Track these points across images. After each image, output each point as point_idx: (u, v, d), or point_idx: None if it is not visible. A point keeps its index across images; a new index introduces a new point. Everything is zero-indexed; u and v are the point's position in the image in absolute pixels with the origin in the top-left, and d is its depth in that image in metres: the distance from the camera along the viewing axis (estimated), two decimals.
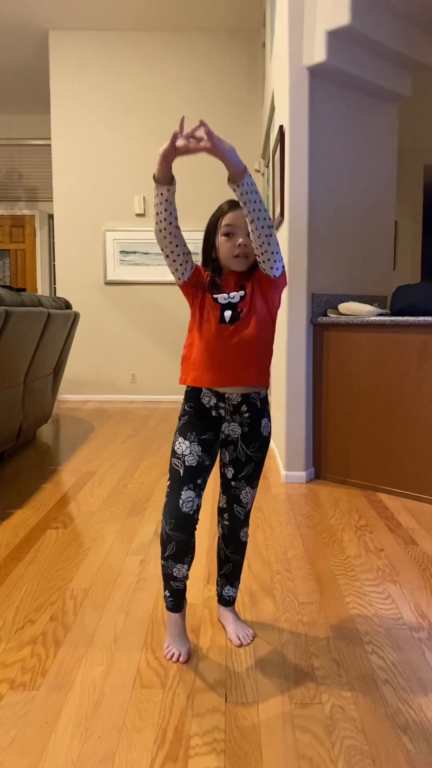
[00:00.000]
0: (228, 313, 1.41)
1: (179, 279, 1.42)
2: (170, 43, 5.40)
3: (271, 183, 3.93)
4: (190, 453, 1.44)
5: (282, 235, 3.13)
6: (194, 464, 1.43)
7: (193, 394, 1.48)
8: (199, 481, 1.44)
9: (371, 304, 2.99)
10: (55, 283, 6.84)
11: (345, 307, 2.90)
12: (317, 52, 2.76)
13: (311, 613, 1.70)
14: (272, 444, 3.66)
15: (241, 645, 1.54)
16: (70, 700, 1.32)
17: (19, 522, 2.43)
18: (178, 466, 1.43)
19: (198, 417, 1.47)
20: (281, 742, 1.19)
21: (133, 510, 2.58)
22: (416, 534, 2.30)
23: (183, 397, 1.50)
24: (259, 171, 5.41)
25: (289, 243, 2.92)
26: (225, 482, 1.54)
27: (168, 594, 1.50)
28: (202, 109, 5.44)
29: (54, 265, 6.85)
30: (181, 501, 1.40)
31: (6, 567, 2.01)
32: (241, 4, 4.90)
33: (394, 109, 3.25)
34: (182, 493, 1.41)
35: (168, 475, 1.46)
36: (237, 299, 1.41)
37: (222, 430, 1.49)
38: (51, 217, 6.93)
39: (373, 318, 2.76)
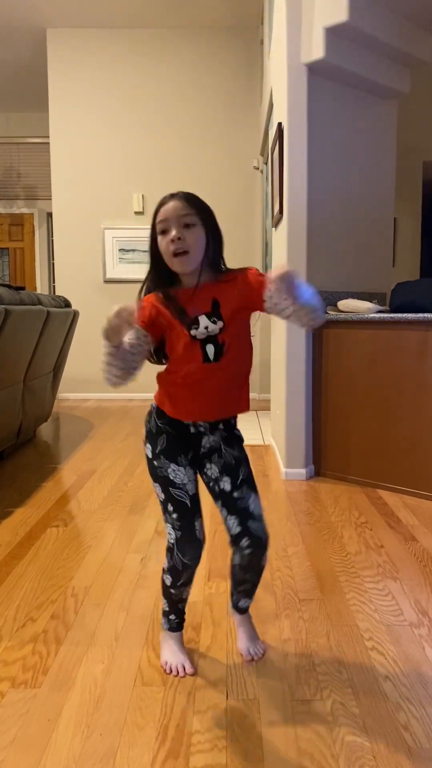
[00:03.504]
0: (211, 349, 1.25)
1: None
2: (168, 40, 5.39)
3: (269, 180, 3.93)
4: (189, 480, 1.32)
5: (281, 233, 3.13)
6: (195, 491, 1.33)
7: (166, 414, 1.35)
8: (199, 505, 1.34)
9: (370, 301, 2.99)
10: (54, 282, 6.84)
11: (344, 304, 2.90)
12: (315, 49, 2.75)
13: (311, 610, 1.71)
14: (272, 441, 3.66)
15: (250, 661, 1.45)
16: (71, 698, 1.32)
17: (20, 520, 2.43)
18: (182, 497, 1.30)
19: (177, 434, 1.34)
20: (282, 739, 1.19)
21: (133, 508, 2.58)
22: (416, 530, 2.31)
23: (151, 412, 1.37)
24: (257, 168, 5.40)
25: (288, 240, 2.91)
26: (226, 499, 1.33)
27: (174, 617, 1.46)
28: (200, 107, 5.43)
29: (53, 263, 6.84)
30: (197, 532, 1.31)
31: (7, 565, 2.01)
32: (239, 1, 4.89)
33: (392, 106, 3.25)
34: (195, 523, 1.31)
35: (166, 506, 1.32)
36: (216, 330, 1.25)
37: (202, 444, 1.36)
38: (50, 215, 6.92)
39: (372, 315, 2.76)
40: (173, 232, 1.22)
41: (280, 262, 1.17)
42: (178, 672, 1.40)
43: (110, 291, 5.64)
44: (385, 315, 2.71)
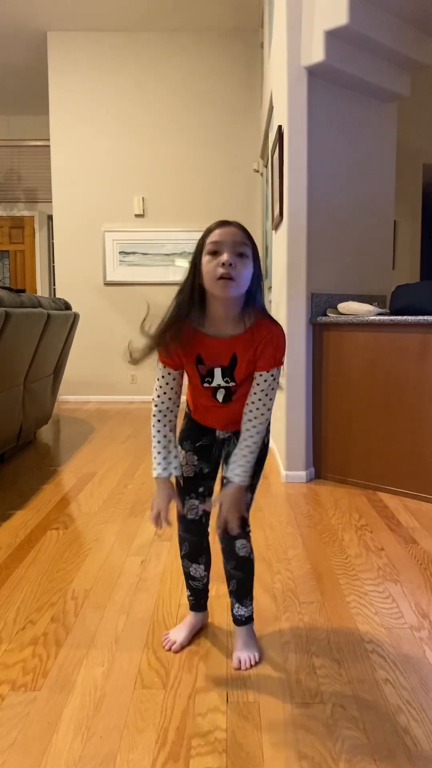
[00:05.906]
0: (221, 394, 1.35)
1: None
2: (168, 43, 5.40)
3: (269, 183, 3.94)
4: (187, 464, 1.46)
5: (281, 235, 3.13)
6: (191, 475, 1.46)
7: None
8: (201, 489, 1.47)
9: (371, 304, 2.99)
10: (54, 284, 6.85)
11: (344, 306, 2.90)
12: (315, 52, 2.76)
13: (312, 613, 1.70)
14: (272, 444, 3.66)
15: (238, 669, 1.43)
16: (71, 701, 1.32)
17: (20, 523, 2.43)
18: (179, 476, 1.46)
19: (197, 424, 1.48)
20: (282, 742, 1.19)
21: (133, 510, 2.58)
22: (416, 533, 2.31)
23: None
24: (257, 171, 5.41)
25: (288, 243, 2.92)
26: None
27: (189, 593, 1.58)
28: (201, 110, 5.44)
29: (53, 266, 6.84)
30: (185, 509, 1.48)
31: (7, 568, 2.01)
32: (239, 4, 4.90)
33: (392, 109, 3.25)
34: (185, 501, 1.47)
35: None
36: (226, 386, 1.34)
37: (217, 436, 1.48)
38: (50, 218, 6.93)
39: (372, 317, 2.76)
40: (225, 256, 1.20)
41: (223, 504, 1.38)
42: (167, 643, 1.52)
43: (110, 293, 5.65)
44: (386, 317, 2.71)
